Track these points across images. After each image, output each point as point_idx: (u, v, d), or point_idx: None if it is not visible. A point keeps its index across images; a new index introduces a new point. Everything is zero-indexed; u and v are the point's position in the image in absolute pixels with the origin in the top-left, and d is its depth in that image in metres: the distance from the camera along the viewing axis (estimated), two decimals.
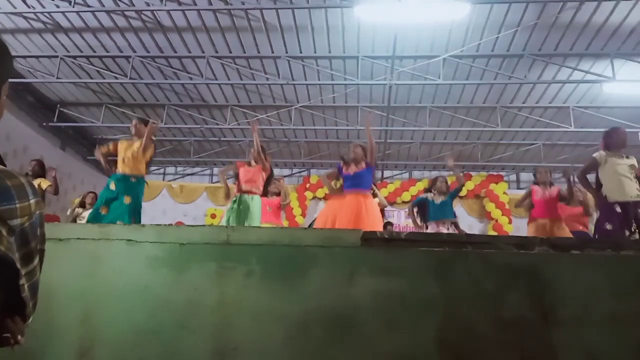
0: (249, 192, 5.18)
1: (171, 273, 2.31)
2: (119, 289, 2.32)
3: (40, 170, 6.20)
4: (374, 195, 5.35)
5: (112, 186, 4.64)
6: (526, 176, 12.80)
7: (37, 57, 8.85)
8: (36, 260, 1.02)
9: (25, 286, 0.98)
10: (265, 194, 5.49)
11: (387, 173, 12.93)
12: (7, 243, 0.91)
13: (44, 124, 10.53)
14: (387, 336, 2.12)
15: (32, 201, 0.98)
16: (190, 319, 2.22)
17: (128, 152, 4.80)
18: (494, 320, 1.98)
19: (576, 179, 4.97)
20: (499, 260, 2.12)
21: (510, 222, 11.36)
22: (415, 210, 6.09)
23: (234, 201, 5.12)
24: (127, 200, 4.49)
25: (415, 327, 2.10)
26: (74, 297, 2.29)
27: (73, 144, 12.03)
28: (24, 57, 8.84)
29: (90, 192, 7.71)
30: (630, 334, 1.89)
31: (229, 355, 2.14)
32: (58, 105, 10.55)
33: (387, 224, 9.24)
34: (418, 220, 5.97)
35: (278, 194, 6.49)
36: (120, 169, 4.76)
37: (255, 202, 5.12)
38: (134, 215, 4.49)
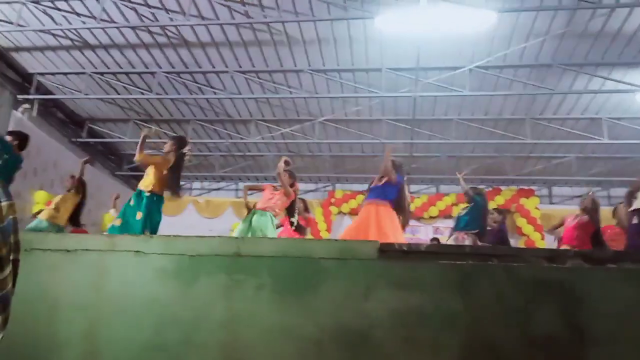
0: (264, 209, 5.15)
1: (179, 286, 2.22)
2: (125, 302, 2.23)
3: (74, 185, 6.21)
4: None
5: (132, 201, 4.62)
6: (558, 190, 12.39)
7: (65, 74, 9.05)
8: (7, 270, 0.93)
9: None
10: (289, 216, 5.45)
11: (413, 187, 12.68)
12: None
13: (74, 139, 10.74)
14: (406, 354, 1.97)
15: (3, 204, 0.90)
16: (197, 335, 2.11)
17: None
18: (522, 339, 1.82)
19: None
20: (528, 274, 1.95)
21: (542, 237, 10.96)
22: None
23: (248, 215, 5.13)
24: (138, 215, 4.45)
25: (436, 346, 1.95)
26: (79, 310, 2.22)
27: (102, 159, 12.24)
28: (53, 74, 9.06)
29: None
30: None
31: None
32: (87, 122, 10.76)
33: (434, 240, 9.17)
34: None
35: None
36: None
37: (269, 217, 5.07)
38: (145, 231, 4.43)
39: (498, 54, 7.60)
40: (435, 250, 2.15)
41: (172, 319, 2.14)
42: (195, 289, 2.19)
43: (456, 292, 2.00)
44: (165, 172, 4.75)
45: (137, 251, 2.31)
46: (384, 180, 4.84)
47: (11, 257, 0.95)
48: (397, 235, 4.42)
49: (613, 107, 8.91)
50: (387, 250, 2.18)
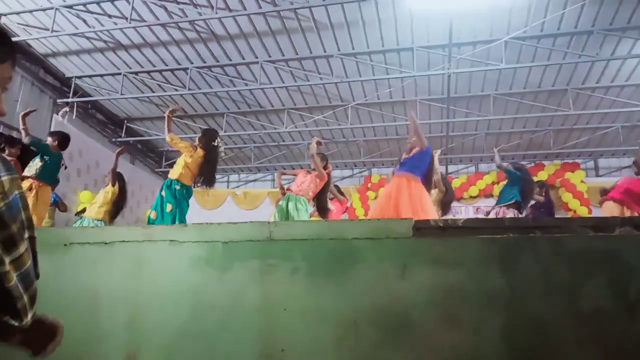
0: (297, 194, 5.16)
1: (214, 273, 2.22)
2: (163, 292, 2.25)
3: (111, 178, 6.35)
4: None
5: (163, 192, 4.73)
6: (605, 162, 11.86)
7: (101, 75, 9.28)
8: (22, 247, 0.91)
9: (13, 275, 0.89)
10: (320, 202, 5.39)
11: (451, 167, 12.43)
12: None
13: (113, 139, 11.03)
14: (446, 335, 1.90)
15: (4, 178, 0.89)
16: (235, 320, 2.11)
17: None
18: (570, 315, 1.72)
19: None
20: (573, 245, 1.85)
21: (590, 212, 10.53)
22: None
23: (282, 200, 5.14)
24: (168, 207, 4.56)
25: (478, 324, 1.88)
26: (119, 301, 2.26)
27: (142, 157, 12.55)
28: (90, 76, 9.30)
29: None
30: None
31: (277, 357, 2.01)
32: (125, 121, 11.02)
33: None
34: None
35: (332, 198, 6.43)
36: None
37: (303, 201, 5.05)
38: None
39: (535, 23, 7.27)
40: (474, 225, 2.06)
41: (208, 305, 2.15)
42: (230, 275, 2.18)
43: (497, 268, 1.91)
44: (195, 164, 4.81)
45: (172, 240, 2.33)
46: (413, 151, 4.68)
47: (26, 235, 0.94)
48: (430, 212, 4.26)
49: None
50: (422, 228, 2.10)
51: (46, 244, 2.45)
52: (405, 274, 2.03)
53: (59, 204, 7.03)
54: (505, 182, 6.11)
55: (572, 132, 10.79)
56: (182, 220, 4.59)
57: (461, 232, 2.07)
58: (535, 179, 10.19)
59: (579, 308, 1.72)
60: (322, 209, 5.45)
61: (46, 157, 5.03)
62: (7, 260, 0.87)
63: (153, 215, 4.57)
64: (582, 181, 11.02)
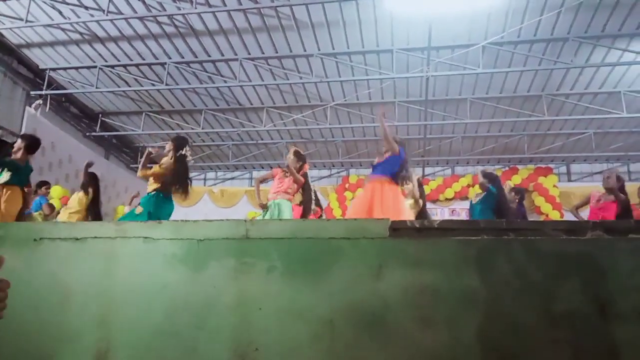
0: (276, 195, 5.14)
1: (189, 271, 2.18)
2: (136, 289, 2.21)
3: (86, 188, 6.15)
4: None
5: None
6: (578, 167, 12.14)
7: (76, 68, 9.08)
8: None
9: None
10: (301, 204, 5.43)
11: (428, 170, 12.56)
12: None
13: (87, 133, 10.82)
14: (422, 335, 1.91)
15: None
16: (209, 319, 2.08)
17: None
18: (543, 315, 1.74)
19: None
20: (546, 248, 1.87)
21: (562, 216, 10.78)
22: None
23: (265, 212, 5.13)
24: (138, 210, 4.55)
25: (453, 325, 1.88)
26: (90, 298, 2.20)
27: (116, 152, 12.33)
28: (65, 68, 9.09)
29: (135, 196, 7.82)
30: None
31: (250, 356, 1.99)
32: (100, 115, 10.81)
33: None
34: None
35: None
36: None
37: (285, 204, 5.03)
38: None
39: (512, 29, 7.40)
40: (449, 227, 2.07)
41: (182, 303, 2.11)
42: (205, 274, 2.15)
43: (472, 269, 1.93)
44: (167, 170, 4.74)
45: (146, 237, 2.28)
46: (386, 155, 4.71)
47: None
48: (404, 214, 4.32)
49: (632, 79, 8.65)
50: (399, 228, 2.11)
51: (16, 239, 2.38)
52: (381, 274, 2.03)
53: (42, 206, 6.77)
54: (479, 192, 5.95)
55: (546, 137, 11.01)
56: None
57: (437, 234, 2.08)
58: (510, 183, 10.36)
59: (552, 309, 1.75)
60: (306, 206, 5.43)
61: (14, 171, 4.92)
62: None
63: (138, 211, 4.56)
64: (554, 186, 11.27)
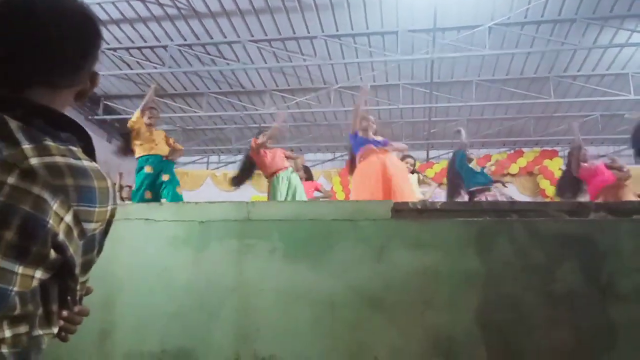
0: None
1: (191, 252, 2.19)
2: (139, 271, 2.22)
3: None
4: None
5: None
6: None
7: None
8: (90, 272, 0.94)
9: (78, 295, 0.91)
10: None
11: (433, 153, 12.49)
12: (76, 246, 0.82)
13: (90, 117, 10.80)
14: (422, 316, 1.91)
15: (109, 207, 0.89)
16: (211, 300, 2.09)
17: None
18: (544, 296, 1.74)
19: None
20: (549, 229, 1.86)
21: None
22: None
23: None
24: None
25: (453, 306, 1.89)
26: (94, 279, 2.21)
27: (119, 135, 12.33)
28: None
29: (127, 185, 7.81)
30: None
31: (252, 337, 2.00)
32: (102, 99, 10.78)
33: None
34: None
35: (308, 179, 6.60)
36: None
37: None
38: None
39: (519, 9, 7.28)
40: (451, 208, 2.07)
41: (184, 285, 2.12)
42: (207, 255, 2.16)
43: (474, 250, 1.92)
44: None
45: (148, 219, 2.29)
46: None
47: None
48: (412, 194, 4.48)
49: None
50: (401, 210, 2.10)
51: None
52: (383, 256, 2.03)
53: None
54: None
55: (552, 120, 10.91)
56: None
57: (439, 215, 2.07)
58: (514, 166, 10.34)
59: (552, 289, 1.75)
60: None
61: None
62: (80, 280, 0.90)
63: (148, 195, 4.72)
64: (560, 169, 11.18)
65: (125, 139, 5.12)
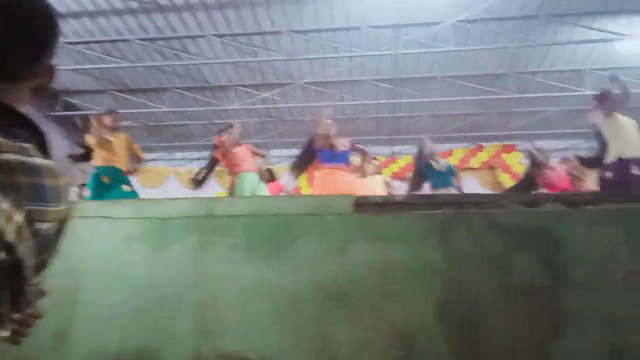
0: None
1: (150, 250, 2.14)
2: (97, 270, 2.16)
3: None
4: None
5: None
6: (544, 145, 12.38)
7: None
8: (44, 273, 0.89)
9: (30, 297, 0.86)
10: None
11: (396, 148, 12.63)
12: (27, 247, 0.79)
13: (48, 113, 10.44)
14: (385, 308, 1.93)
15: (64, 206, 0.86)
16: (171, 298, 2.06)
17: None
18: (501, 286, 1.79)
19: None
20: (506, 220, 1.91)
21: None
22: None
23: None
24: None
25: (415, 297, 1.91)
26: (50, 278, 2.14)
27: (79, 133, 11.97)
28: None
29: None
30: None
31: (214, 334, 1.98)
32: (60, 94, 10.45)
33: None
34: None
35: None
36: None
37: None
38: None
39: (482, 5, 7.40)
40: (412, 201, 2.09)
41: (144, 283, 2.08)
42: (167, 252, 2.12)
43: (434, 242, 1.95)
44: None
45: (106, 217, 2.23)
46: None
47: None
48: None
49: (596, 57, 8.83)
50: (363, 204, 2.11)
51: None
52: (346, 250, 2.03)
53: None
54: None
55: (514, 115, 11.18)
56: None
57: (400, 208, 2.09)
58: (474, 160, 10.56)
59: (509, 278, 1.79)
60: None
61: None
62: (32, 282, 0.85)
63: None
64: (519, 162, 11.49)
65: (85, 152, 4.93)
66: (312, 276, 2.02)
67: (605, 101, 4.48)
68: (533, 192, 5.12)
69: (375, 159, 7.01)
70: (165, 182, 12.25)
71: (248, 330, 1.97)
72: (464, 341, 1.76)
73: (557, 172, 5.85)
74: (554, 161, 6.21)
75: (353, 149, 4.99)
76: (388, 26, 7.96)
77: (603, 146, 4.38)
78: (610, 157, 4.26)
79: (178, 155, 13.53)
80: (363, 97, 9.70)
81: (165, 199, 2.22)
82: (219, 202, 2.18)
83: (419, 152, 6.15)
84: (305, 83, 9.66)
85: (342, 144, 4.90)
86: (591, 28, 7.80)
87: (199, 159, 13.34)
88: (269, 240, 2.09)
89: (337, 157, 4.77)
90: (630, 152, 4.15)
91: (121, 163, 4.97)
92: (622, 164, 4.11)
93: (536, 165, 5.74)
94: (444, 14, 7.69)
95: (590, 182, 6.13)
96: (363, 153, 5.23)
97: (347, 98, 10.15)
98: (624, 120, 4.32)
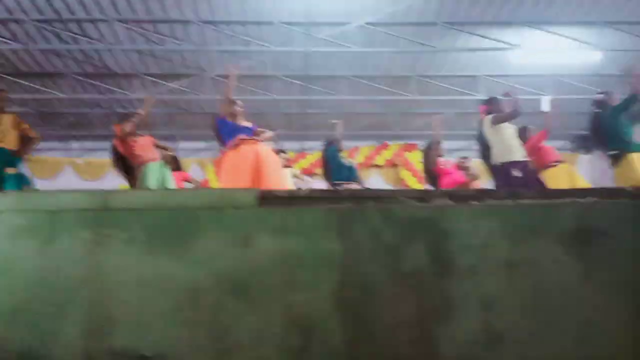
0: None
1: (39, 245, 2.01)
2: None
3: None
4: None
5: None
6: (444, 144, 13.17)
7: None
8: None
9: None
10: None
11: (308, 144, 12.80)
12: None
13: None
14: (285, 299, 1.97)
15: None
16: (60, 295, 1.95)
17: None
18: (394, 275, 1.90)
19: None
20: (400, 213, 2.03)
21: None
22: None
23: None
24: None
25: (314, 287, 1.98)
26: None
27: None
28: None
29: None
30: (524, 279, 1.88)
31: (106, 331, 1.91)
32: None
33: None
34: None
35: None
36: None
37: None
38: None
39: (387, 10, 7.72)
40: (315, 196, 2.15)
41: (30, 280, 1.95)
42: (58, 248, 2.00)
43: (334, 235, 2.03)
44: None
45: None
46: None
47: None
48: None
49: (490, 65, 9.55)
50: (266, 197, 2.14)
51: None
52: (248, 243, 2.05)
53: None
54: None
55: (414, 116, 11.77)
56: None
57: (303, 202, 2.14)
58: (379, 158, 11.01)
59: (401, 269, 1.91)
60: None
61: None
62: None
63: None
64: (419, 161, 12.13)
65: None
66: (213, 270, 2.01)
67: (493, 108, 4.88)
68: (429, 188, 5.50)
69: (284, 151, 7.07)
70: (60, 173, 11.45)
71: (144, 326, 1.92)
72: (359, 327, 1.86)
73: (452, 165, 6.31)
74: (451, 160, 6.67)
75: (256, 132, 4.98)
76: (298, 23, 8.04)
77: (486, 149, 4.80)
78: (493, 161, 4.69)
79: (75, 145, 12.67)
80: (274, 93, 9.71)
81: (56, 190, 2.09)
82: (115, 195, 2.10)
83: (329, 139, 6.36)
84: (215, 75, 9.48)
85: (246, 124, 4.90)
86: (485, 37, 8.42)
87: (99, 149, 12.61)
88: (169, 234, 2.05)
89: (240, 130, 4.74)
90: (511, 157, 4.58)
91: (8, 143, 4.56)
92: (504, 168, 4.54)
93: (431, 156, 6.13)
94: (352, 15, 7.92)
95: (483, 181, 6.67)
96: (268, 137, 5.26)
97: (258, 92, 10.11)
98: (507, 126, 4.74)
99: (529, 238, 1.93)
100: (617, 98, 5.34)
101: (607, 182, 5.57)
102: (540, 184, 4.88)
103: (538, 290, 1.90)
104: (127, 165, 5.45)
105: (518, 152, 4.68)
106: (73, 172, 11.63)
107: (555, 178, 5.69)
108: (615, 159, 5.08)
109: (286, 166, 6.82)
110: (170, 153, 6.09)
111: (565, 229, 1.96)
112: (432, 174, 6.19)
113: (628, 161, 4.94)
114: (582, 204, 2.03)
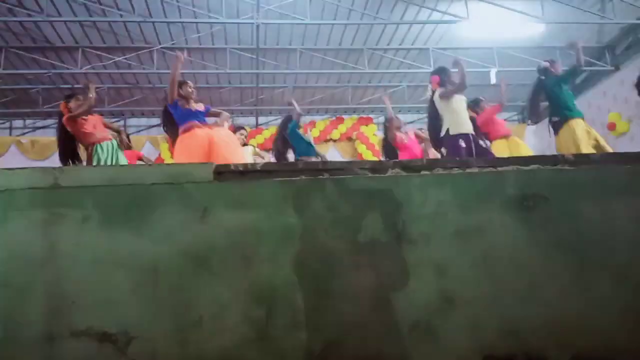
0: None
1: None
2: None
3: None
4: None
5: None
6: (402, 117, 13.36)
7: None
8: None
9: None
10: None
11: (261, 119, 12.70)
12: None
13: None
14: (245, 272, 2.01)
15: None
16: (16, 277, 1.91)
17: None
18: (350, 244, 1.97)
19: None
20: (355, 185, 2.09)
21: None
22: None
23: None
24: None
25: (274, 259, 2.02)
26: None
27: None
28: None
29: None
30: (474, 246, 1.99)
31: (66, 311, 1.89)
32: None
33: None
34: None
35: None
36: None
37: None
38: None
39: None
40: (271, 169, 2.18)
41: None
42: (8, 228, 1.95)
43: (291, 207, 2.06)
44: None
45: None
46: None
47: None
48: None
49: (439, 38, 9.70)
50: (223, 172, 2.15)
51: None
52: (206, 218, 2.06)
53: None
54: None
55: (368, 89, 11.87)
56: None
57: (260, 176, 2.17)
58: (335, 132, 11.07)
59: (358, 239, 1.98)
60: None
61: None
62: None
63: None
64: (374, 134, 12.30)
65: None
66: (172, 245, 2.02)
67: (443, 78, 4.98)
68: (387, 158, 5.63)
69: (243, 128, 7.01)
70: (5, 154, 10.91)
71: (104, 305, 1.91)
72: (319, 296, 1.92)
73: (410, 136, 6.44)
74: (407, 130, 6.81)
75: (208, 114, 4.94)
76: None
77: (436, 120, 4.92)
78: (442, 132, 4.81)
79: (18, 123, 12.07)
80: (226, 66, 9.53)
81: (4, 169, 2.03)
82: (67, 172, 2.05)
83: (287, 116, 6.37)
84: (162, 48, 9.19)
85: (199, 107, 4.82)
86: (434, 10, 8.53)
87: (43, 127, 12.07)
88: (125, 211, 2.03)
89: (192, 115, 4.68)
90: (459, 129, 4.72)
91: None
92: (453, 139, 4.68)
93: (390, 131, 6.24)
94: None
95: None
96: (217, 115, 5.20)
97: (209, 66, 9.90)
98: (458, 98, 4.86)
99: (478, 205, 2.03)
100: (561, 68, 5.59)
101: (551, 151, 5.86)
102: (489, 154, 5.07)
103: (487, 255, 2.01)
104: (73, 146, 5.25)
105: (467, 124, 4.83)
106: (18, 151, 11.10)
107: (503, 150, 5.93)
108: (557, 126, 5.34)
109: (245, 144, 6.77)
110: (120, 132, 5.91)
111: (511, 196, 2.08)
112: (391, 148, 6.31)
113: (569, 127, 5.20)
114: (526, 171, 2.15)
